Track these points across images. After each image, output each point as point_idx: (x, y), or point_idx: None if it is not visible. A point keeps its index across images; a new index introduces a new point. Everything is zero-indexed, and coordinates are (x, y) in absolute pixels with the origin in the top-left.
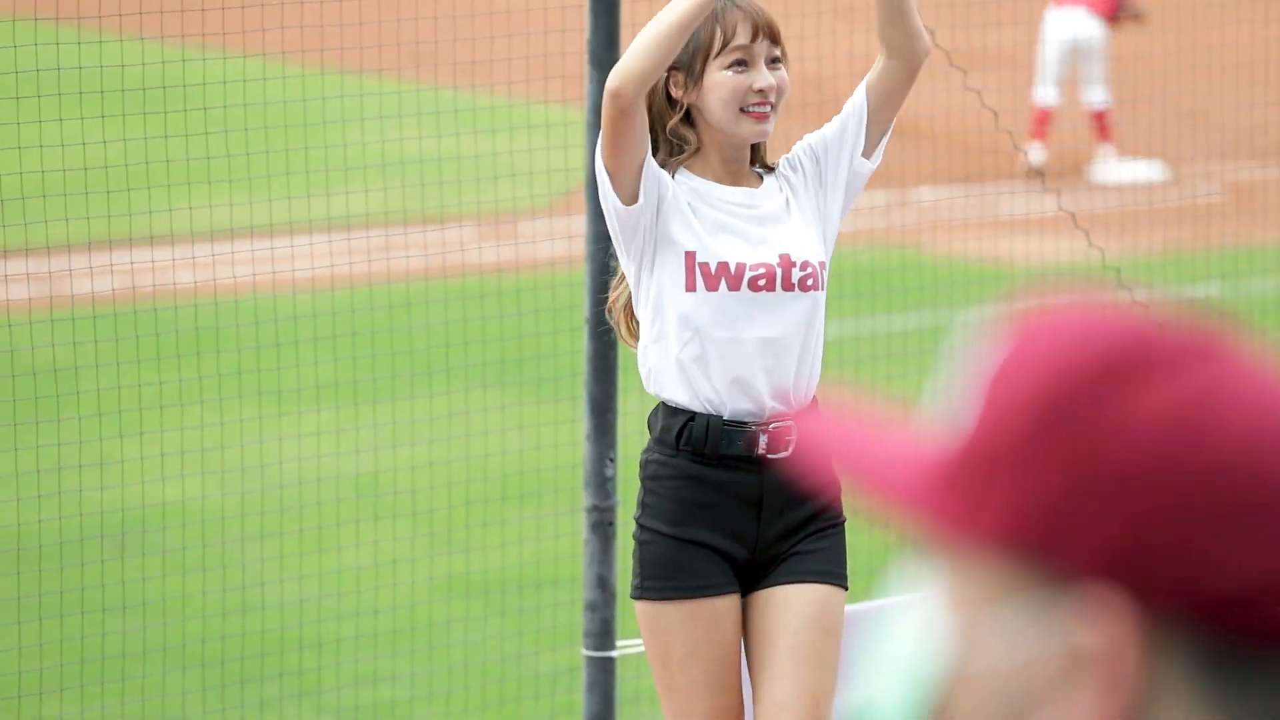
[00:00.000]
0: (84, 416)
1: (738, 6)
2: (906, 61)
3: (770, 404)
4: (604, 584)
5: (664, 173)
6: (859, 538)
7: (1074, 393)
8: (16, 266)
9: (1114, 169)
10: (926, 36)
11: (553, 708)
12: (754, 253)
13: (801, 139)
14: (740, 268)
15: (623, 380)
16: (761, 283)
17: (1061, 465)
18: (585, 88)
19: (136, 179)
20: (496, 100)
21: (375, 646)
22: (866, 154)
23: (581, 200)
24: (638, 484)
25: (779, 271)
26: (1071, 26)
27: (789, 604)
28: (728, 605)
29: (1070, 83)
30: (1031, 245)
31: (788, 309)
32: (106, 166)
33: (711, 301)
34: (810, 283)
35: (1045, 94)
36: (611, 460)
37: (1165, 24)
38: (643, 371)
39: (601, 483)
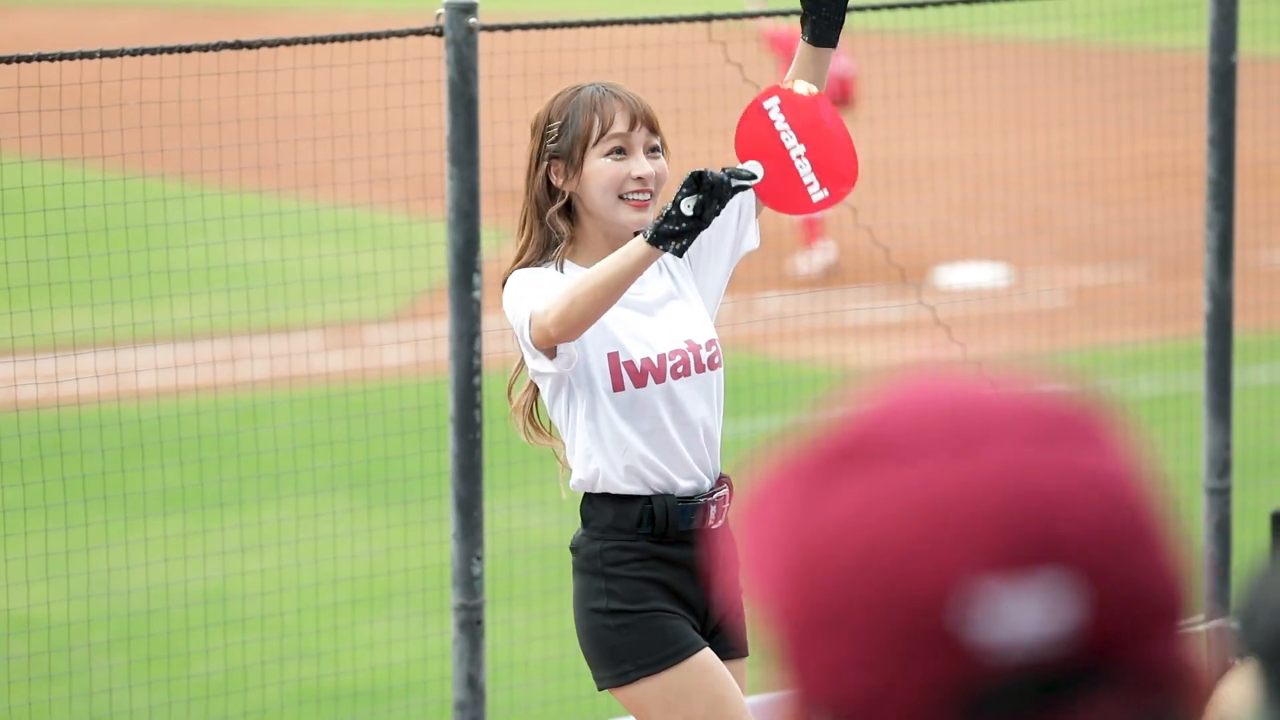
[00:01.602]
0: None
1: (615, 96)
2: None
3: (705, 479)
4: (473, 683)
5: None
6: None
7: (814, 469)
8: None
9: (815, 260)
10: None
11: None
12: (666, 341)
13: None
14: (661, 359)
15: (489, 477)
16: (680, 370)
17: (782, 542)
18: (445, 185)
19: None
20: (359, 212)
21: None
22: (747, 236)
23: (430, 303)
24: (517, 580)
25: (690, 357)
26: None
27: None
28: (716, 656)
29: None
30: (879, 347)
31: (704, 389)
32: None
33: (641, 397)
34: (716, 360)
35: None
36: (479, 558)
37: (1004, 128)
38: (582, 475)
39: (469, 581)
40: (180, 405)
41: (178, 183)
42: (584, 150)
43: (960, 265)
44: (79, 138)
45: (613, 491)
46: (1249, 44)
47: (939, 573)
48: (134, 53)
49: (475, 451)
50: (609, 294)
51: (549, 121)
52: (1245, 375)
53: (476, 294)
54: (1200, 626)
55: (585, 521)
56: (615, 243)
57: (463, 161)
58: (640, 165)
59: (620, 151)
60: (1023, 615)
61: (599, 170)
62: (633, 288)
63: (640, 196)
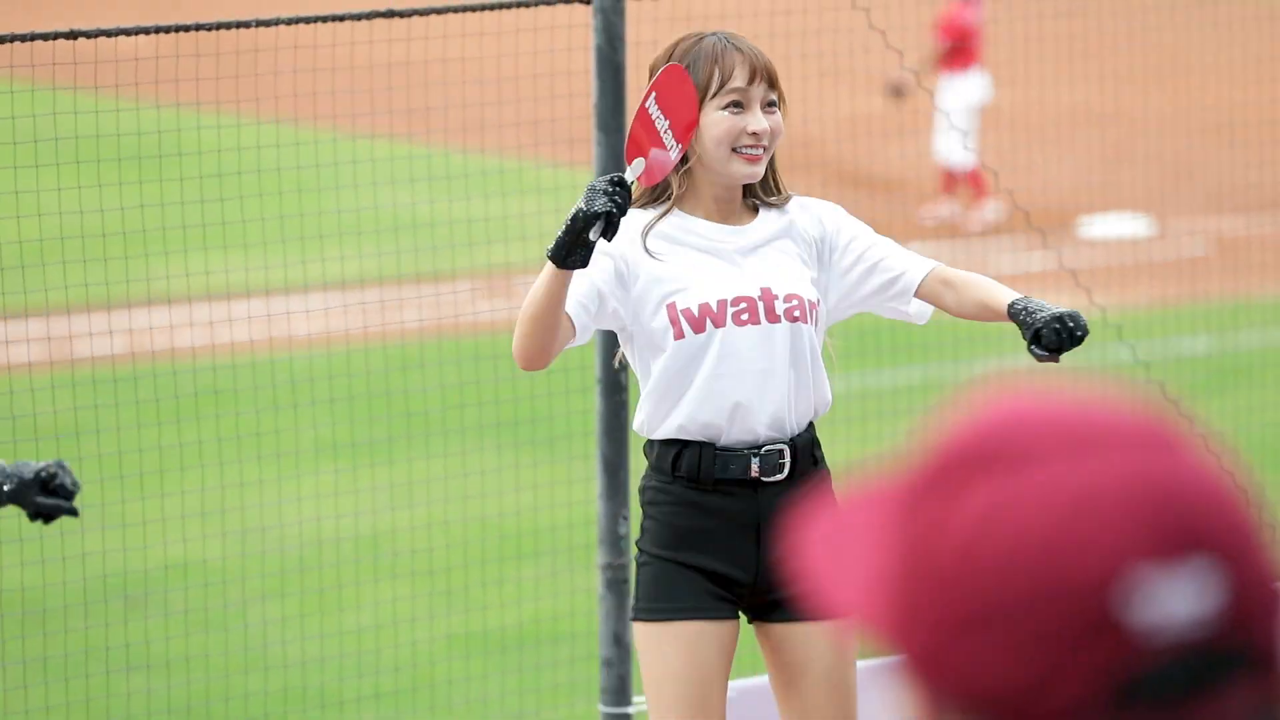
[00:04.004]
0: (105, 478)
1: (737, 49)
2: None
3: (765, 432)
4: (619, 640)
5: (606, 266)
6: None
7: (928, 482)
8: (17, 330)
9: (987, 215)
10: None
11: None
12: (732, 286)
13: (831, 207)
14: (721, 304)
15: (633, 439)
16: (744, 316)
17: (901, 554)
18: (593, 151)
19: (136, 245)
20: (506, 163)
21: (386, 705)
22: (886, 305)
23: None
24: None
25: (760, 304)
26: (971, 90)
27: (812, 638)
28: (714, 630)
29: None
30: None
31: (772, 339)
32: (104, 235)
33: (698, 343)
34: (797, 314)
35: (963, 157)
36: (625, 518)
37: (1150, 83)
38: (638, 419)
39: (615, 540)
40: (331, 362)
41: (350, 142)
42: (702, 101)
43: (1102, 216)
44: (234, 102)
45: (656, 437)
46: None
47: (1098, 561)
48: (289, 22)
49: (621, 413)
50: (538, 323)
51: None
52: None
53: None
54: None
55: (645, 455)
56: (720, 192)
57: (609, 129)
58: (756, 120)
59: (738, 105)
60: (1177, 598)
61: (715, 123)
62: (733, 235)
63: (753, 151)
